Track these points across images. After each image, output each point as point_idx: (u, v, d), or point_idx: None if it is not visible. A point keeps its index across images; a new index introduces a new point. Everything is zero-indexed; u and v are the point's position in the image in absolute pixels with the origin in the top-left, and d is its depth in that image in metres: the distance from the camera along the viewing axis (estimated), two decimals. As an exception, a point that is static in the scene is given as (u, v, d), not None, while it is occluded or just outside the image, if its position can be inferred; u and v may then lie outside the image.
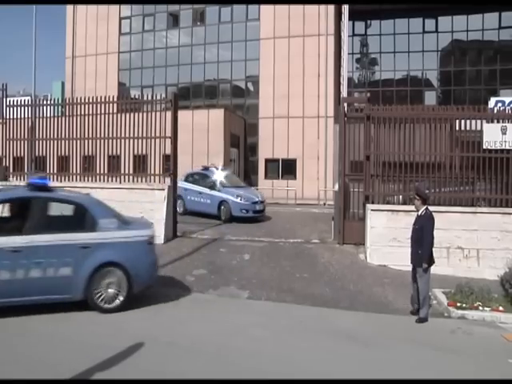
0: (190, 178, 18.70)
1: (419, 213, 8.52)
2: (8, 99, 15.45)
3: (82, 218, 7.80)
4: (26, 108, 15.00)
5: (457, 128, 12.36)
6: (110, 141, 13.82)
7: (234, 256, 11.82)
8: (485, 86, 31.13)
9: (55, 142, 14.49)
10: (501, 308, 8.62)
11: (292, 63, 29.81)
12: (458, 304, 8.72)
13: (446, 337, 7.63)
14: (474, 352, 7.06)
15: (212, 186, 17.63)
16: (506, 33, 30.82)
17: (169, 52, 33.53)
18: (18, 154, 15.03)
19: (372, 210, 11.94)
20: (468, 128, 12.21)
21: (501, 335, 7.74)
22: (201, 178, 18.47)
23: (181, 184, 17.13)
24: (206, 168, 18.98)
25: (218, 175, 18.22)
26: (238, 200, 16.93)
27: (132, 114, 13.73)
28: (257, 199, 17.39)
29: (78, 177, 14.38)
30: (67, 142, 14.38)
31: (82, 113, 14.18)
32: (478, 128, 12.06)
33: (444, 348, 7.04)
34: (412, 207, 11.49)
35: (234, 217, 16.78)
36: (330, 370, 5.96)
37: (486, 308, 8.62)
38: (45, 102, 15.37)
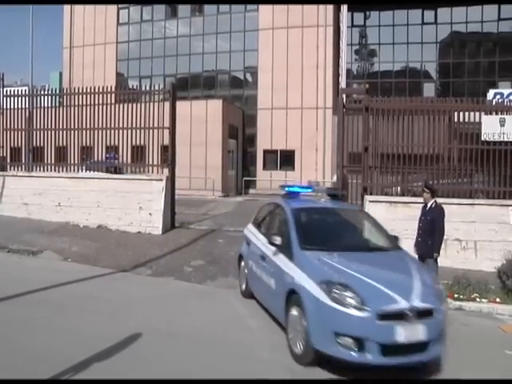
0: (262, 212, 8.78)
1: (429, 205, 8.61)
2: (5, 89, 15.37)
3: None
4: (24, 98, 14.95)
5: (455, 120, 12.34)
6: (108, 131, 13.78)
7: (231, 247, 11.78)
8: (484, 78, 31.02)
9: (53, 132, 14.43)
10: (498, 299, 8.64)
11: (291, 54, 29.69)
12: (456, 295, 8.73)
13: (443, 328, 7.63)
14: (471, 343, 7.07)
15: (282, 244, 6.75)
16: (506, 25, 30.69)
17: (167, 42, 33.39)
18: (16, 145, 14.98)
19: (370, 201, 11.93)
20: (466, 120, 12.19)
21: (498, 326, 7.76)
22: (273, 216, 8.11)
23: (246, 231, 8.80)
24: (291, 192, 8.41)
25: (303, 214, 7.50)
26: (329, 302, 5.38)
27: (130, 105, 13.68)
28: (405, 305, 5.25)
29: (77, 167, 14.35)
30: (65, 132, 14.33)
31: (80, 103, 14.12)
32: (477, 120, 12.04)
33: (441, 339, 7.04)
34: (410, 199, 11.62)
35: (316, 351, 5.45)
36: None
37: (483, 299, 8.63)
38: (42, 92, 15.34)
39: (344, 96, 13.62)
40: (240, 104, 32.00)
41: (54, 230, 12.60)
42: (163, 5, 33.40)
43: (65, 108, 14.57)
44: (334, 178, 13.52)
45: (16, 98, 14.96)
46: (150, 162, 13.57)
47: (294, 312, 5.89)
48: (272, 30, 30.23)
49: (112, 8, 33.88)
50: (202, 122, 26.50)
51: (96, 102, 13.90)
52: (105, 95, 13.88)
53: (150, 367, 5.36)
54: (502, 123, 11.85)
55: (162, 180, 12.97)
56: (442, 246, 8.53)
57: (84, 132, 14.11)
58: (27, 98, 14.96)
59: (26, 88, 16.56)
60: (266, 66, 30.28)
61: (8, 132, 14.91)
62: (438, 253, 8.41)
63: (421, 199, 9.15)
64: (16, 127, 14.85)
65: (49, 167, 14.54)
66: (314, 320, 5.51)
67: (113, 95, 14.15)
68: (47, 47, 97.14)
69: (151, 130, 13.36)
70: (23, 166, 15.02)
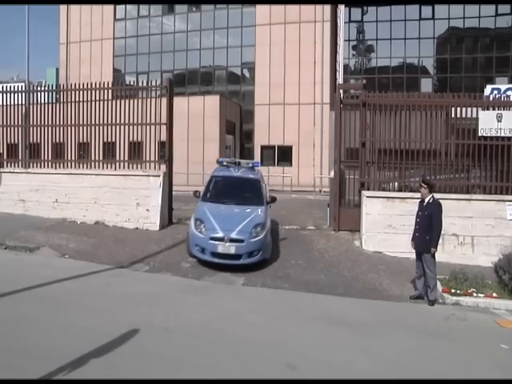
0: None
1: (426, 200, 8.63)
2: (1, 85, 15.31)
3: None
4: (20, 94, 14.87)
5: (452, 115, 12.36)
6: (106, 127, 13.74)
7: (229, 243, 11.81)
8: (481, 73, 31.10)
9: (50, 128, 14.37)
10: (494, 294, 8.69)
11: (288, 50, 29.68)
12: (453, 290, 8.78)
13: (441, 323, 7.68)
14: (467, 337, 7.13)
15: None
16: (503, 20, 30.75)
17: (164, 38, 33.31)
18: (12, 141, 14.92)
19: (367, 196, 11.96)
20: (464, 115, 12.21)
21: (494, 321, 7.80)
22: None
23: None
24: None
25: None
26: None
27: (127, 101, 13.64)
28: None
29: (74, 164, 14.31)
30: (62, 128, 14.28)
31: (77, 99, 14.06)
32: (474, 115, 12.06)
33: (438, 334, 7.10)
34: (407, 194, 11.65)
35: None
36: (325, 356, 5.99)
37: (479, 294, 8.69)
38: (39, 88, 15.26)
39: (341, 91, 13.64)
40: (237, 100, 31.98)
41: (51, 226, 12.57)
42: (159, 4, 33.32)
43: (61, 104, 14.51)
44: (332, 174, 13.51)
45: (12, 94, 14.89)
46: (148, 158, 13.53)
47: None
48: (269, 25, 30.18)
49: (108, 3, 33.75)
50: (199, 118, 26.48)
51: (93, 98, 13.84)
52: (102, 91, 13.83)
53: (148, 363, 5.36)
54: (499, 119, 11.87)
55: (159, 176, 12.96)
56: (440, 241, 8.57)
57: (81, 128, 14.06)
58: (24, 94, 14.88)
59: (23, 84, 16.46)
60: (264, 62, 30.24)
61: (4, 128, 14.86)
62: (436, 248, 8.45)
63: (418, 194, 9.18)
64: (12, 123, 14.79)
65: (46, 163, 14.49)
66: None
67: (110, 91, 14.10)
68: (44, 43, 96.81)
69: (148, 126, 13.33)
70: (20, 163, 14.95)
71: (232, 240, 9.80)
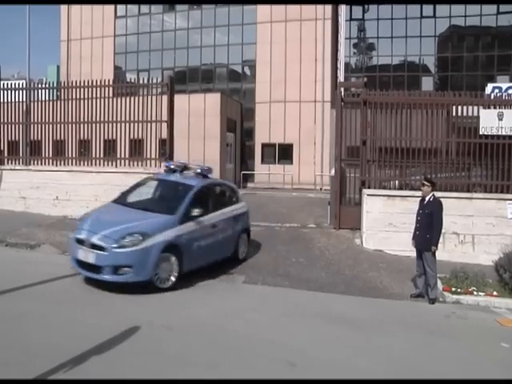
0: None
1: (427, 199, 8.63)
2: (2, 82, 15.31)
3: None
4: (21, 91, 14.88)
5: (453, 114, 12.35)
6: (106, 125, 13.74)
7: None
8: (482, 71, 30.99)
9: (51, 125, 14.38)
10: (495, 293, 8.70)
11: (289, 47, 29.60)
12: (453, 289, 8.78)
13: (441, 321, 7.69)
14: (468, 336, 7.14)
15: None
16: (504, 18, 30.65)
17: (165, 35, 33.22)
18: (13, 138, 14.93)
19: (368, 194, 11.96)
20: (465, 114, 12.20)
21: (494, 319, 7.81)
22: None
23: None
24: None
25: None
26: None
27: (128, 98, 13.64)
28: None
29: (74, 161, 14.32)
30: (63, 126, 14.29)
31: (78, 96, 14.07)
32: (475, 114, 12.05)
33: (438, 332, 7.10)
34: (408, 192, 11.64)
35: None
36: (325, 354, 5.99)
37: (480, 293, 8.70)
38: (40, 86, 15.27)
39: (342, 89, 13.62)
40: (238, 97, 31.91)
41: (52, 223, 12.58)
42: (159, 4, 33.27)
43: (62, 101, 14.52)
44: (332, 172, 13.50)
45: (13, 92, 14.90)
46: (148, 156, 13.53)
47: None
48: (270, 23, 30.11)
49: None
50: (200, 116, 26.42)
51: (94, 96, 13.85)
52: (103, 89, 13.84)
53: (148, 360, 5.36)
54: (500, 117, 11.86)
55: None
56: (440, 239, 8.58)
57: (82, 125, 14.07)
58: (24, 91, 14.90)
59: (24, 81, 16.44)
60: (265, 60, 30.19)
61: (5, 125, 14.86)
62: (436, 246, 8.45)
63: (418, 193, 9.18)
64: (13, 121, 14.79)
65: (46, 161, 14.49)
66: None
67: (111, 88, 14.11)
68: (44, 40, 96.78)
69: (149, 124, 13.34)
70: (21, 160, 14.98)
71: (93, 246, 7.78)
